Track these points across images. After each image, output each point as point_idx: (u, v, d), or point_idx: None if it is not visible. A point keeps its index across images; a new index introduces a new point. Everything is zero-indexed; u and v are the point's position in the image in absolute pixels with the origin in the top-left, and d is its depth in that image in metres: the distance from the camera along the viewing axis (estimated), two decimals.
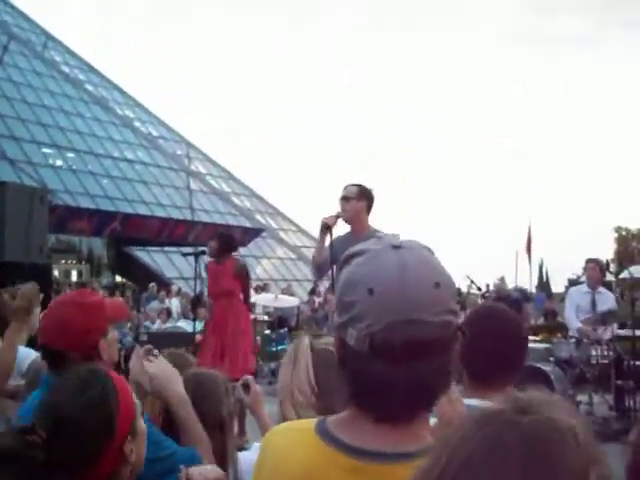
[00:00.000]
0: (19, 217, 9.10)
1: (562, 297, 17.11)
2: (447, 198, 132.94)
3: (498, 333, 2.77)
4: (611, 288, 16.70)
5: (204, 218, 37.95)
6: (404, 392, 1.44)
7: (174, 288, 24.25)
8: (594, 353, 10.21)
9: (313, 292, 25.62)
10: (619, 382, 10.09)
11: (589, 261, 11.28)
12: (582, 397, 10.22)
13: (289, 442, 1.65)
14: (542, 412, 0.96)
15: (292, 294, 22.00)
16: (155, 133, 44.22)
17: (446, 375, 1.50)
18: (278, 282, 33.82)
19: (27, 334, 5.02)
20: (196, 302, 10.45)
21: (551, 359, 10.70)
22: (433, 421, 1.77)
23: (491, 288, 20.94)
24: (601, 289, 11.08)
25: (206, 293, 10.44)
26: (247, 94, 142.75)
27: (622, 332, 10.60)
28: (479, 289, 14.88)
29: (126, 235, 32.24)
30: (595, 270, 11.03)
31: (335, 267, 7.02)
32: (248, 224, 40.91)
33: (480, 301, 14.38)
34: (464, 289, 14.03)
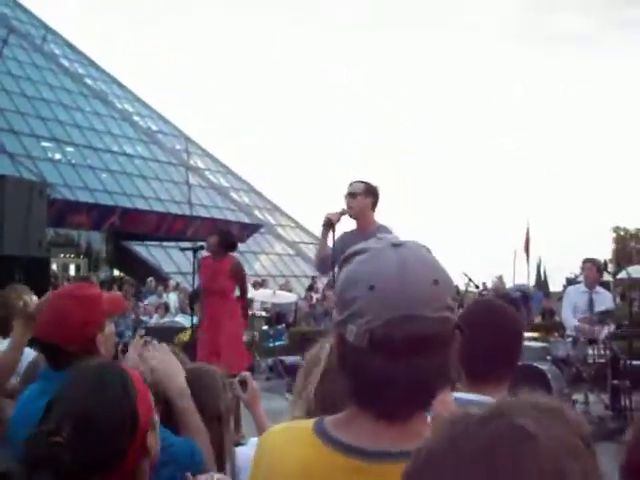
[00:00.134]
0: (18, 211, 9.09)
1: (560, 296, 17.11)
2: (446, 198, 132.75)
3: (495, 328, 2.77)
4: (609, 288, 16.72)
5: (203, 213, 37.95)
6: (403, 388, 1.45)
7: (172, 283, 24.27)
8: (590, 352, 10.22)
9: (311, 288, 25.65)
10: (615, 381, 10.10)
11: (586, 261, 11.30)
12: (578, 396, 10.23)
13: (287, 442, 1.65)
14: (512, 418, 0.96)
15: (290, 290, 22.05)
16: (154, 128, 44.17)
17: (445, 373, 1.51)
18: (276, 278, 33.85)
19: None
20: (194, 297, 10.43)
21: (548, 358, 10.71)
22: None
23: (489, 286, 20.96)
24: (599, 289, 11.09)
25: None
26: (247, 94, 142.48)
27: (619, 331, 10.61)
28: (477, 287, 14.88)
29: (125, 229, 32.24)
30: (592, 270, 11.04)
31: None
32: (246, 220, 40.89)
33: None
34: (462, 287, 14.02)
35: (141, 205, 34.73)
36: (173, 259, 33.20)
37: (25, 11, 43.95)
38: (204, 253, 10.10)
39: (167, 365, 2.91)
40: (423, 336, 1.45)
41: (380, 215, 7.27)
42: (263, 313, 17.83)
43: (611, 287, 20.82)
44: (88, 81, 42.69)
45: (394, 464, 1.43)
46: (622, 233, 72.19)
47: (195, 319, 10.51)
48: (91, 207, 30.94)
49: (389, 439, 1.50)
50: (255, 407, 3.52)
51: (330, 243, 7.14)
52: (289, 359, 15.16)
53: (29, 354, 4.57)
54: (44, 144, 34.10)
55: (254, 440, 3.45)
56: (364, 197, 7.12)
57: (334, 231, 7.08)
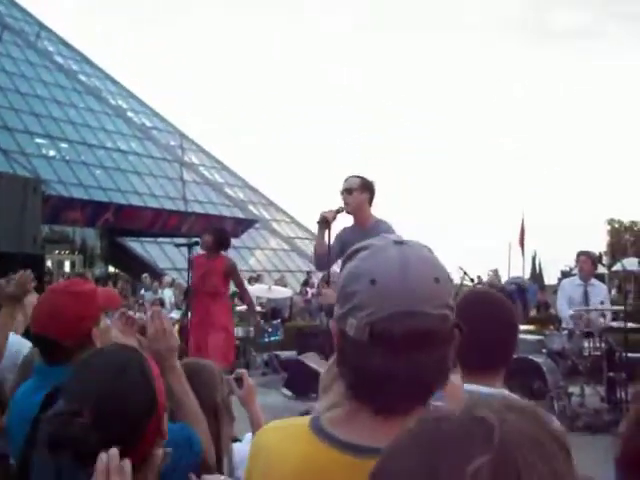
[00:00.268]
0: (12, 207, 9.08)
1: (555, 289, 17.14)
2: (443, 192, 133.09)
3: (490, 319, 2.76)
4: (604, 280, 16.73)
5: (197, 209, 37.94)
6: (403, 383, 1.45)
7: (167, 279, 24.23)
8: (586, 345, 10.22)
9: (306, 283, 25.65)
10: (611, 374, 10.11)
11: (581, 253, 11.30)
12: (574, 389, 10.23)
13: (283, 439, 1.65)
14: (476, 411, 0.96)
15: (285, 285, 22.04)
16: (148, 124, 44.15)
17: (444, 369, 1.51)
18: (271, 273, 33.84)
19: (24, 323, 5.03)
20: (189, 293, 10.42)
21: (543, 351, 10.71)
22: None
23: (484, 280, 20.97)
24: (593, 281, 11.10)
25: None
26: (247, 93, 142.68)
27: (614, 324, 10.61)
28: (472, 280, 14.89)
29: (119, 226, 32.21)
30: (587, 262, 11.05)
31: (338, 259, 7.17)
32: (241, 215, 40.90)
33: None
34: (457, 280, 14.02)
35: (135, 201, 34.72)
36: (168, 255, 33.21)
37: (19, 8, 43.90)
38: (198, 249, 10.08)
39: (164, 345, 2.87)
40: (423, 332, 1.45)
41: (379, 213, 7.28)
42: (258, 308, 17.80)
43: (606, 279, 20.86)
44: (82, 78, 42.65)
45: None
46: (617, 225, 72.27)
47: (189, 315, 10.50)
48: (85, 203, 30.90)
49: (387, 435, 1.49)
50: (251, 404, 3.52)
51: (326, 241, 7.14)
52: (284, 354, 15.17)
53: (25, 345, 4.57)
54: (38, 141, 34.08)
55: (250, 436, 3.46)
56: (360, 192, 7.12)
57: (329, 229, 7.09)
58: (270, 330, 16.68)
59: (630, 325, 10.34)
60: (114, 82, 45.41)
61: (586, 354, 10.20)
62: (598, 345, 10.22)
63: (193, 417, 2.79)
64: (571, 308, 10.66)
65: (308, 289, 24.39)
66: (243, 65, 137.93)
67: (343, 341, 1.54)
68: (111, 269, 36.15)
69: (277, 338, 16.82)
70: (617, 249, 57.20)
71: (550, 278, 38.68)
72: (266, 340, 16.35)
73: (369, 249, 1.55)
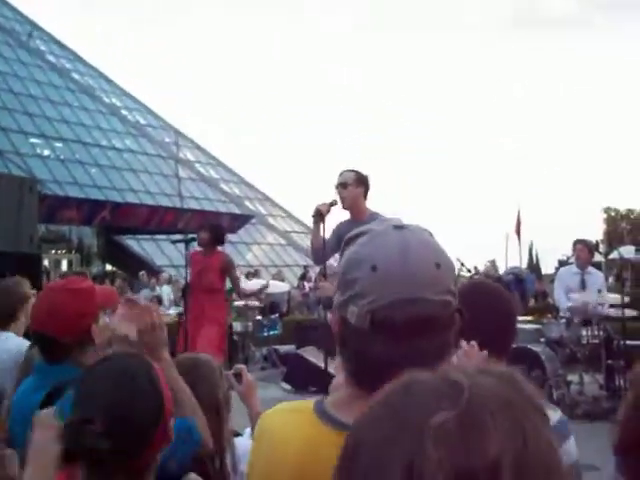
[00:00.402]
0: (9, 207, 9.07)
1: (552, 278, 17.14)
2: (440, 184, 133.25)
3: (488, 308, 2.76)
4: (600, 268, 16.75)
5: (193, 205, 37.87)
6: (404, 370, 1.45)
7: (164, 276, 24.22)
8: (584, 333, 10.24)
9: (304, 277, 25.62)
10: (609, 362, 10.14)
11: (577, 242, 11.32)
12: (573, 377, 10.26)
13: (287, 422, 1.66)
14: (449, 374, 0.97)
15: (283, 280, 22.03)
16: (143, 121, 44.06)
17: (445, 355, 1.51)
18: (268, 268, 33.83)
19: (25, 325, 5.04)
20: (186, 290, 10.44)
21: (542, 340, 10.73)
22: None
23: (481, 271, 20.98)
24: (590, 269, 11.12)
25: None
26: (247, 93, 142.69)
27: (612, 312, 10.62)
28: (469, 271, 14.91)
29: (116, 224, 32.17)
30: (584, 251, 11.07)
31: (335, 253, 7.23)
32: (237, 211, 40.83)
33: None
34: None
35: (131, 199, 34.65)
36: (165, 252, 33.17)
37: (10, 8, 43.76)
38: (195, 246, 10.10)
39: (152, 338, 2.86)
40: (425, 318, 1.45)
41: (379, 210, 7.27)
42: (256, 303, 17.80)
43: (603, 268, 20.87)
44: (75, 76, 42.55)
45: None
46: (613, 214, 72.29)
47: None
48: (81, 202, 30.84)
49: None
50: (251, 399, 3.52)
51: (322, 234, 7.16)
52: (283, 348, 15.19)
53: (20, 344, 4.58)
54: (32, 140, 34.01)
55: (250, 431, 3.47)
56: (355, 187, 7.13)
57: (324, 222, 7.11)
58: (269, 324, 16.69)
59: (628, 313, 10.36)
60: (107, 80, 45.31)
61: (584, 342, 10.23)
62: (596, 333, 10.25)
63: (188, 408, 2.79)
64: (569, 295, 10.68)
65: (305, 283, 24.36)
66: (243, 65, 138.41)
67: (344, 328, 1.53)
68: (108, 267, 36.09)
69: (276, 332, 16.83)
70: (614, 237, 57.17)
71: (547, 267, 38.81)
72: (265, 334, 16.37)
73: (369, 234, 1.55)
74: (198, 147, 46.23)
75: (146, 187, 37.04)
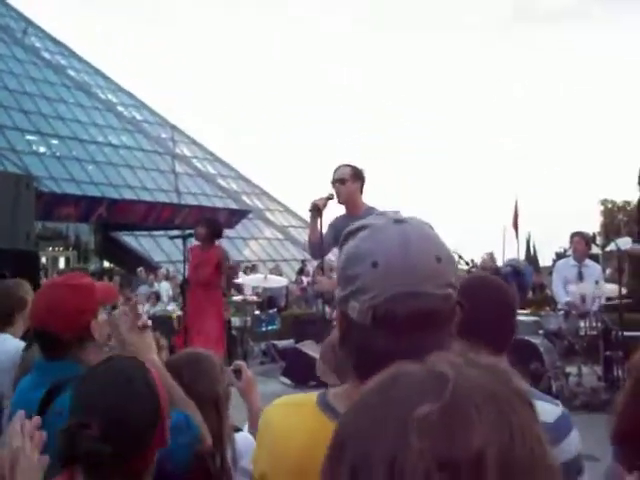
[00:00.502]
0: (5, 204, 9.05)
1: (550, 271, 17.14)
2: (438, 179, 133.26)
3: (489, 302, 2.75)
4: (598, 260, 16.75)
5: (190, 201, 37.89)
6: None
7: (162, 272, 24.20)
8: (582, 325, 10.26)
9: (301, 272, 25.64)
10: (608, 353, 10.15)
11: (575, 234, 11.33)
12: (571, 368, 10.27)
13: (290, 414, 1.67)
14: (435, 366, 0.98)
15: (280, 274, 22.01)
16: (139, 117, 44.05)
17: (446, 348, 1.51)
18: (266, 263, 33.83)
19: (24, 325, 5.05)
20: (184, 286, 10.45)
21: (540, 332, 10.73)
22: None
23: (478, 263, 20.96)
24: (588, 262, 11.14)
25: None
26: (247, 93, 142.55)
27: (610, 302, 10.65)
28: (467, 264, 14.92)
29: (113, 220, 32.14)
30: (581, 243, 11.09)
31: (333, 248, 7.28)
32: (234, 206, 40.84)
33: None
34: None
35: (128, 195, 34.65)
36: (162, 248, 33.18)
37: (4, 4, 43.69)
38: (193, 241, 10.11)
39: (138, 339, 2.87)
40: (426, 312, 1.45)
41: (375, 205, 7.30)
42: (255, 298, 17.80)
43: (600, 260, 20.88)
44: (71, 73, 42.51)
45: None
46: (610, 206, 72.20)
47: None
48: (78, 199, 30.81)
49: None
50: (250, 396, 3.51)
51: (319, 228, 7.18)
52: (282, 343, 15.19)
53: (18, 345, 4.58)
54: (28, 137, 33.99)
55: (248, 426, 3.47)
56: (352, 182, 7.15)
57: (321, 216, 7.14)
58: (267, 319, 16.70)
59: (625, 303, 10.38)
60: (103, 76, 45.29)
61: (582, 334, 10.24)
62: (594, 324, 10.26)
63: (182, 405, 2.79)
64: (567, 287, 10.69)
65: (303, 277, 24.37)
66: (243, 63, 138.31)
67: (345, 323, 1.54)
68: (106, 264, 36.10)
69: (274, 327, 16.85)
70: (611, 229, 57.17)
71: (545, 260, 38.73)
72: (263, 329, 16.38)
73: (369, 228, 1.54)
74: (194, 142, 46.22)
75: (143, 183, 37.04)
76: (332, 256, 9.28)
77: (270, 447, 1.65)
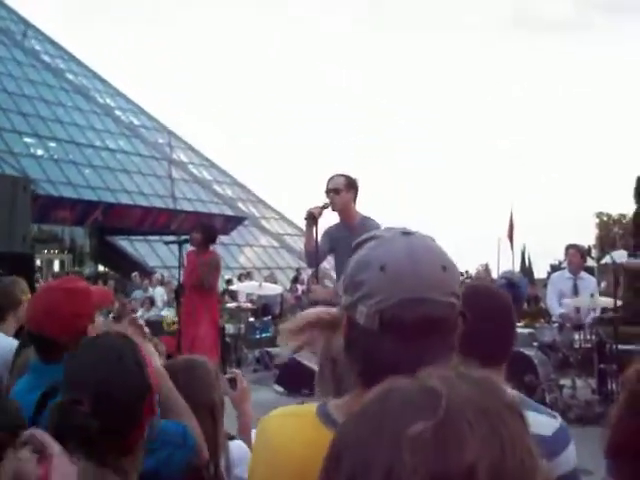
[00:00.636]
0: (2, 206, 9.05)
1: (545, 283, 17.17)
2: (435, 185, 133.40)
3: (490, 313, 2.74)
4: (593, 273, 16.78)
5: (186, 207, 37.88)
6: (413, 370, 1.46)
7: (156, 277, 24.19)
8: (577, 337, 10.26)
9: (296, 280, 25.62)
10: (602, 366, 10.14)
11: (570, 247, 11.34)
12: (565, 381, 10.27)
13: (289, 425, 1.67)
14: (425, 381, 0.98)
15: (275, 282, 22.01)
16: (136, 122, 44.05)
17: (450, 358, 1.52)
18: (261, 270, 33.81)
19: (15, 325, 5.05)
20: (179, 291, 10.48)
21: (534, 344, 10.74)
22: None
23: (472, 275, 21.00)
24: (583, 274, 11.14)
25: None
26: (243, 95, 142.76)
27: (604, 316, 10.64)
28: (461, 274, 14.96)
29: (108, 224, 32.16)
30: (576, 256, 11.09)
31: (328, 256, 7.33)
32: (230, 212, 40.83)
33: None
34: None
35: (124, 200, 34.63)
36: (157, 253, 33.16)
37: (4, 7, 43.70)
38: (188, 247, 10.14)
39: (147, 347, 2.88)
40: (433, 319, 1.47)
41: (374, 209, 7.34)
42: (249, 305, 17.80)
43: (595, 272, 20.91)
44: (69, 76, 42.52)
45: None
46: (605, 218, 72.32)
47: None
48: (74, 203, 30.81)
49: None
50: (244, 406, 3.50)
51: (314, 237, 7.22)
52: (276, 351, 15.17)
53: (11, 344, 4.57)
54: (26, 140, 33.97)
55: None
56: (346, 191, 7.21)
57: (317, 225, 7.18)
58: (261, 327, 16.70)
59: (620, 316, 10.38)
60: (101, 80, 45.29)
61: (577, 346, 10.25)
62: (589, 337, 10.27)
63: (182, 414, 2.79)
64: (562, 301, 10.70)
65: (298, 285, 24.37)
66: (239, 65, 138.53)
67: (352, 330, 1.55)
68: (101, 268, 36.08)
69: (268, 335, 16.83)
70: (606, 242, 57.22)
71: (540, 272, 38.82)
72: (257, 337, 16.38)
73: (376, 239, 1.57)
74: (191, 148, 46.23)
75: (139, 188, 37.02)
76: (327, 264, 9.30)
77: (268, 457, 1.65)
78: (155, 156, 41.84)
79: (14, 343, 4.52)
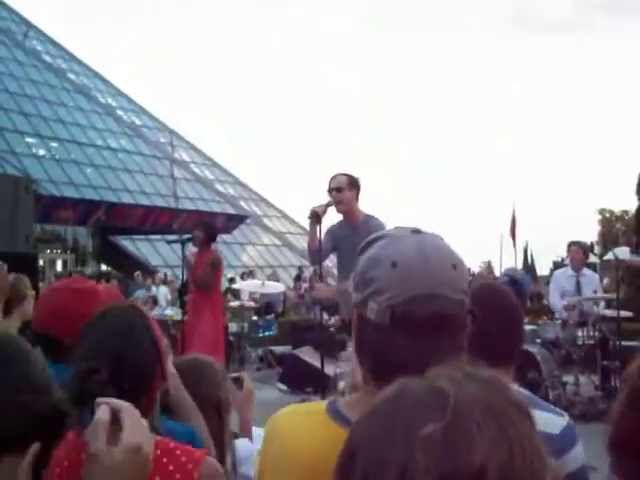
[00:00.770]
0: (4, 206, 9.05)
1: (547, 280, 17.14)
2: (436, 184, 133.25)
3: (497, 311, 2.73)
4: (595, 270, 16.76)
5: (188, 206, 37.87)
6: (423, 366, 1.46)
7: (159, 276, 24.19)
8: (580, 334, 10.26)
9: (299, 278, 25.62)
10: (605, 362, 10.14)
11: (572, 244, 11.33)
12: (568, 378, 10.27)
13: (299, 422, 1.68)
14: (433, 382, 1.00)
15: (278, 280, 22.01)
16: (138, 121, 44.05)
17: (460, 355, 1.52)
18: (263, 269, 33.83)
19: (20, 320, 5.07)
20: (183, 290, 10.50)
21: (537, 341, 10.73)
22: None
23: (475, 272, 20.99)
24: (585, 271, 11.13)
25: None
26: (244, 94, 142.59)
27: (608, 312, 10.62)
28: None
29: (111, 224, 32.15)
30: (579, 253, 11.08)
31: (330, 254, 7.39)
32: (232, 211, 40.81)
33: None
34: None
35: (127, 199, 34.64)
36: (160, 252, 33.16)
37: (6, 7, 43.70)
38: (191, 246, 10.16)
39: None
40: (443, 315, 1.48)
41: (375, 208, 7.37)
42: (252, 304, 17.80)
43: (598, 269, 20.89)
44: (71, 76, 42.52)
45: None
46: (607, 215, 72.18)
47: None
48: (76, 202, 30.80)
49: None
50: (245, 409, 3.50)
51: (318, 235, 7.24)
52: (279, 349, 15.18)
53: None
54: (28, 140, 33.98)
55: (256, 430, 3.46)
56: (349, 190, 7.25)
57: (320, 223, 7.20)
58: (264, 325, 16.70)
59: (623, 313, 10.36)
60: (103, 80, 45.29)
61: (580, 343, 10.25)
62: (592, 334, 10.27)
63: (190, 413, 2.81)
64: (564, 298, 10.69)
65: (301, 283, 24.37)
66: (240, 65, 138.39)
67: (363, 326, 1.56)
68: (103, 267, 36.07)
69: (271, 333, 16.84)
70: (608, 238, 57.09)
71: (542, 269, 38.80)
72: (260, 335, 16.39)
73: (387, 238, 1.59)
74: (193, 147, 46.23)
75: (141, 187, 37.03)
76: (329, 262, 9.31)
77: (278, 454, 1.65)
78: (157, 155, 41.84)
79: None
